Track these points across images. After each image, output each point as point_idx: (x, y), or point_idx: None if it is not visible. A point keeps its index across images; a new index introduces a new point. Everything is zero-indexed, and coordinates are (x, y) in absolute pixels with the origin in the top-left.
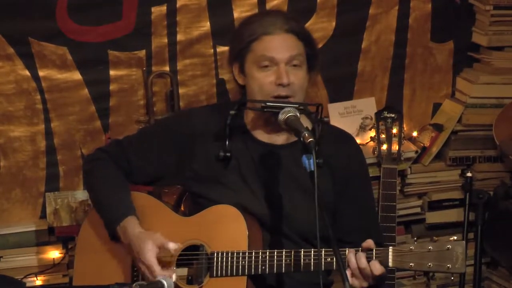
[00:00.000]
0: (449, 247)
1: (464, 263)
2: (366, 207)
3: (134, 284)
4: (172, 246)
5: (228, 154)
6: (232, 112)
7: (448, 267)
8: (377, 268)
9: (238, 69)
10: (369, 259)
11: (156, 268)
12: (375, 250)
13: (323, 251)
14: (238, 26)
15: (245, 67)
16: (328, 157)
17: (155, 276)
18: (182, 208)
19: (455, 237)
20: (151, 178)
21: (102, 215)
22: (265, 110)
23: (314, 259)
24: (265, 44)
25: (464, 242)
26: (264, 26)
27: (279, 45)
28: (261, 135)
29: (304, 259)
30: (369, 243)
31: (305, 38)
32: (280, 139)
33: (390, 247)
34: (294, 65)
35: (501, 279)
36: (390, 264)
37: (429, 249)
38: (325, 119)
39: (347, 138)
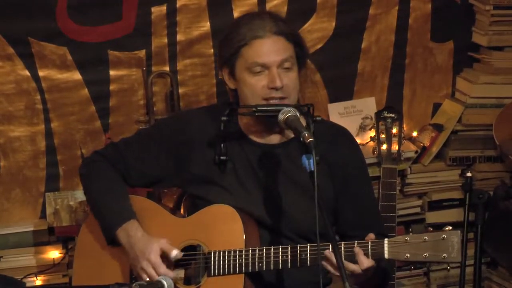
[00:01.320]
0: (444, 237)
1: (459, 252)
2: (366, 199)
3: (134, 284)
4: (174, 253)
5: (224, 158)
6: (223, 118)
7: (444, 256)
8: (362, 260)
9: (228, 73)
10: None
11: (162, 266)
12: (371, 242)
13: (319, 247)
14: (226, 31)
15: (235, 71)
16: (325, 153)
17: (159, 274)
18: (182, 209)
19: (450, 227)
20: (149, 181)
21: (100, 218)
22: (257, 114)
23: (310, 254)
24: (256, 49)
25: (459, 231)
26: (252, 30)
27: (269, 49)
28: (256, 137)
29: (300, 255)
30: (370, 237)
31: (294, 39)
32: (274, 139)
33: (386, 239)
34: (286, 68)
35: (501, 279)
36: (386, 255)
37: (425, 239)
38: (317, 118)
39: (343, 133)
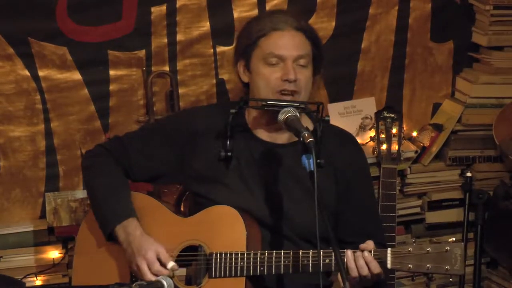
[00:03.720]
0: (447, 249)
1: (463, 265)
2: (368, 208)
3: (134, 284)
4: (170, 265)
5: (229, 154)
6: (233, 110)
7: (447, 268)
8: (374, 265)
9: (244, 66)
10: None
11: (156, 264)
12: (374, 251)
13: (321, 252)
14: (246, 24)
15: (251, 63)
16: (329, 157)
17: (152, 271)
18: (182, 208)
19: (454, 238)
20: (151, 176)
21: (99, 213)
22: (266, 108)
23: (312, 260)
24: (274, 40)
25: (463, 244)
26: (273, 22)
27: (287, 42)
28: (263, 134)
29: (302, 260)
30: (367, 244)
31: (313, 38)
32: (281, 138)
33: (389, 249)
34: (301, 65)
35: (501, 279)
36: (389, 265)
37: (428, 250)
38: (326, 118)
39: (348, 138)
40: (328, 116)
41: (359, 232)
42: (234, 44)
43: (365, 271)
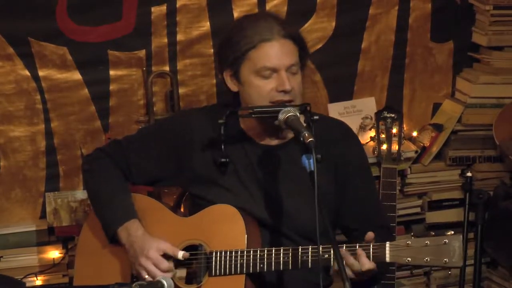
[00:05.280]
0: (446, 241)
1: (461, 257)
2: (368, 193)
3: (134, 284)
4: (180, 255)
5: (225, 160)
6: (221, 121)
7: (445, 261)
8: (363, 262)
9: (230, 76)
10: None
11: (163, 262)
12: (372, 245)
13: (320, 248)
14: (229, 32)
15: (240, 74)
16: (326, 148)
17: (161, 270)
18: (182, 209)
19: (452, 232)
20: (150, 179)
21: (101, 216)
22: (253, 116)
23: (312, 256)
24: (264, 52)
25: (460, 236)
26: (260, 33)
27: (278, 53)
28: (257, 137)
29: (301, 256)
30: (368, 236)
31: (300, 42)
32: (274, 141)
33: (387, 242)
34: (293, 73)
35: (501, 279)
36: (387, 259)
37: (426, 243)
38: (315, 117)
39: (342, 128)
40: (317, 115)
41: (360, 217)
42: (217, 51)
43: (356, 267)
